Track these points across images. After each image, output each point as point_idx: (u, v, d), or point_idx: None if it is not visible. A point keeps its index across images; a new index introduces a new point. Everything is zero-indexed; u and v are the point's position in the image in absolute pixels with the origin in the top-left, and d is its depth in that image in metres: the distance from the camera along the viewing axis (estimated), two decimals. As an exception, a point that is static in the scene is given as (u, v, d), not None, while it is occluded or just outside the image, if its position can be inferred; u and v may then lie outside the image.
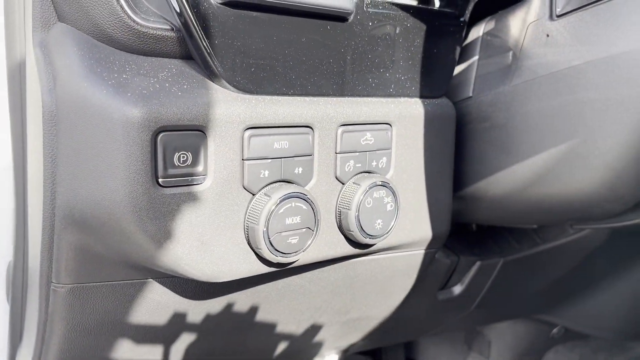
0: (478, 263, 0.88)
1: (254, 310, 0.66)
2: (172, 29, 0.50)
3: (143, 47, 0.49)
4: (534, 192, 0.65)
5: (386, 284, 0.74)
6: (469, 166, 0.71)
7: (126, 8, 0.48)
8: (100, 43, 0.49)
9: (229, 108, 0.49)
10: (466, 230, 0.94)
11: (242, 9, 0.50)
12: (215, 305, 0.61)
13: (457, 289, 0.91)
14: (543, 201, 0.66)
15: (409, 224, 0.65)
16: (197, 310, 0.60)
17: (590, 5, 0.57)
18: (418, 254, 0.71)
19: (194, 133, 0.47)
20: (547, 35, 0.60)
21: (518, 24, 0.65)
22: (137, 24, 0.48)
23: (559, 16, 0.60)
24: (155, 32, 0.49)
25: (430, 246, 0.70)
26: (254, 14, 0.51)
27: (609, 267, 1.08)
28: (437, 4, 0.76)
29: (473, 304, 0.96)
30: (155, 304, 0.56)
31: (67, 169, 0.47)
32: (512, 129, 0.65)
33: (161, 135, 0.45)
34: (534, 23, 0.62)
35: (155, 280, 0.55)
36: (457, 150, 0.70)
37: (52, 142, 0.47)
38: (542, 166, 0.63)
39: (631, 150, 0.56)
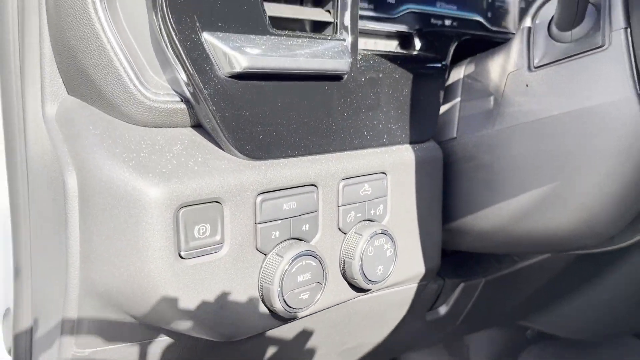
0: (462, 284, 0.93)
1: (258, 351, 0.69)
2: (182, 101, 0.53)
3: (155, 120, 0.51)
4: (518, 228, 0.70)
5: (381, 315, 0.78)
6: (455, 201, 0.75)
7: (138, 85, 0.50)
8: (112, 118, 0.51)
9: (242, 177, 0.51)
10: (450, 252, 0.99)
11: (249, 79, 0.52)
12: (226, 353, 0.63)
13: (443, 309, 0.96)
14: (526, 236, 0.70)
15: (404, 263, 0.69)
16: (210, 358, 0.63)
17: (564, 60, 0.62)
18: (412, 287, 0.75)
19: (212, 205, 0.50)
20: (527, 85, 0.65)
21: (498, 71, 0.70)
22: (149, 99, 0.50)
23: (536, 67, 0.64)
24: (166, 105, 0.51)
25: (423, 279, 0.75)
26: (260, 83, 0.53)
27: (580, 277, 1.16)
28: (417, 46, 0.80)
29: (458, 321, 1.01)
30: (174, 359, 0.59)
31: (91, 247, 0.48)
32: (496, 170, 0.69)
33: (182, 211, 0.48)
34: (513, 73, 0.67)
35: (173, 338, 0.57)
36: (444, 187, 0.74)
37: (73, 221, 0.49)
38: (525, 205, 0.68)
39: (606, 193, 0.62)
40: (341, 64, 0.58)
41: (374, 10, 0.77)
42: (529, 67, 0.65)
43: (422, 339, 1.03)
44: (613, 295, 1.21)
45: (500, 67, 0.69)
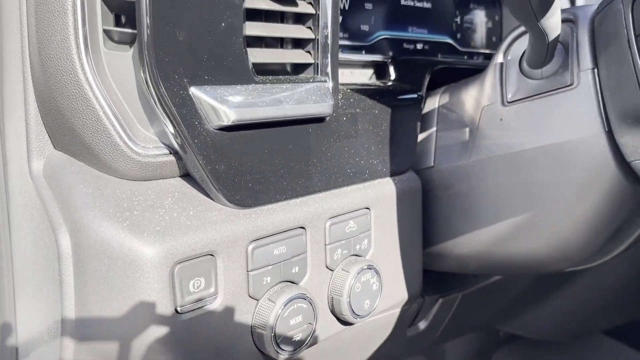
0: (440, 300, 0.96)
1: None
2: (170, 153, 0.53)
3: (145, 174, 0.52)
4: (494, 253, 0.73)
5: (366, 340, 0.80)
6: (434, 227, 0.78)
7: (127, 141, 0.50)
8: (102, 174, 0.51)
9: (234, 227, 0.52)
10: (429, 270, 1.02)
11: (236, 130, 0.53)
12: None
13: (422, 325, 0.99)
14: (502, 260, 0.74)
15: (389, 293, 0.71)
16: None
17: (536, 96, 0.65)
18: (395, 312, 0.77)
19: (206, 257, 0.50)
20: (501, 120, 0.68)
21: (472, 104, 0.72)
22: (139, 155, 0.51)
23: (509, 102, 0.67)
24: (155, 159, 0.52)
25: (406, 304, 0.77)
26: (247, 132, 0.54)
27: (551, 283, 1.21)
28: (392, 75, 0.82)
29: (437, 334, 1.05)
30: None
31: (87, 307, 0.49)
32: (473, 198, 0.72)
33: (177, 267, 0.48)
34: (487, 107, 0.70)
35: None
36: (423, 213, 0.77)
37: (68, 282, 0.49)
38: (500, 232, 0.71)
39: (576, 221, 0.65)
40: (324, 108, 0.60)
41: (349, 39, 0.79)
42: (502, 102, 0.68)
43: (403, 353, 1.06)
44: (583, 299, 1.27)
45: (475, 100, 0.72)
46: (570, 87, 0.62)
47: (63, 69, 0.48)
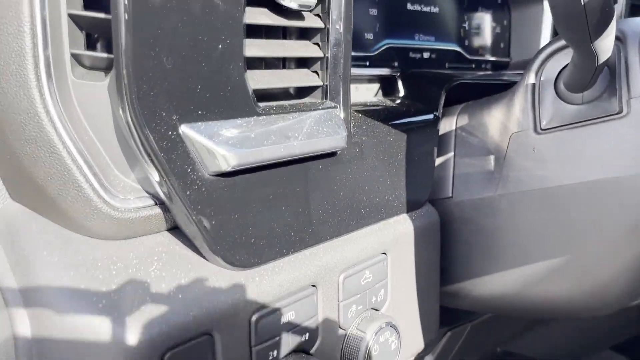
0: (448, 333, 0.89)
1: None
2: (156, 204, 0.44)
3: (125, 232, 0.42)
4: (519, 296, 0.65)
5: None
6: (452, 266, 0.69)
7: (103, 194, 0.40)
8: (70, 233, 0.41)
9: (235, 296, 0.43)
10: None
11: (236, 174, 0.44)
12: None
13: (429, 359, 0.91)
14: (528, 304, 0.66)
15: (405, 347, 0.62)
16: None
17: (576, 124, 0.57)
18: (409, 360, 0.69)
19: (202, 339, 0.41)
20: (534, 149, 0.60)
21: (498, 128, 0.64)
22: (117, 210, 0.41)
23: (544, 130, 0.59)
24: (137, 214, 0.42)
25: (421, 353, 0.69)
26: (248, 176, 0.45)
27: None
28: (401, 92, 0.74)
29: (442, 366, 0.97)
30: None
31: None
32: (497, 236, 0.64)
33: (168, 355, 0.39)
34: (517, 133, 0.61)
35: None
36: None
37: None
38: (529, 274, 0.63)
39: (619, 266, 0.57)
40: (337, 141, 0.50)
41: (353, 49, 0.70)
42: (535, 129, 0.60)
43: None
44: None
45: (501, 124, 0.63)
46: (618, 116, 0.54)
47: (19, 106, 0.38)
